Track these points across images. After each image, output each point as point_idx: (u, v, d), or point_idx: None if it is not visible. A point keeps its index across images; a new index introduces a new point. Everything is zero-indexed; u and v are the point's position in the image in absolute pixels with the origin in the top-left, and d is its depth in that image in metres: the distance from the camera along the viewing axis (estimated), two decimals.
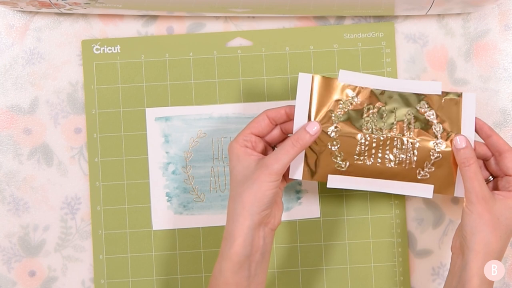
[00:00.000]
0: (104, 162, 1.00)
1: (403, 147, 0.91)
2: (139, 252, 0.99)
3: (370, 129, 0.90)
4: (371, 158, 0.91)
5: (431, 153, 0.90)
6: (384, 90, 0.90)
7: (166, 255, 0.99)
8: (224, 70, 1.00)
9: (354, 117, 0.90)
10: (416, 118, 0.90)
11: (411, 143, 0.90)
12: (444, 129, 0.90)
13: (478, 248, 0.86)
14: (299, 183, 1.00)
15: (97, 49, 1.00)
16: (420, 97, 0.90)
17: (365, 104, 0.90)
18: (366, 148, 0.90)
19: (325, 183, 0.98)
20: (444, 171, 0.90)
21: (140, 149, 1.00)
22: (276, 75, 1.00)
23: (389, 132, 0.90)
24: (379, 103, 0.90)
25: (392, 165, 0.91)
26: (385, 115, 0.90)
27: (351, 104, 0.90)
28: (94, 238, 0.99)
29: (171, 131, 1.00)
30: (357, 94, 0.90)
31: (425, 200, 1.00)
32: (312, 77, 0.90)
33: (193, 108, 1.00)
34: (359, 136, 0.90)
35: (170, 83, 1.00)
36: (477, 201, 0.86)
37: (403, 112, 0.90)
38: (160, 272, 0.99)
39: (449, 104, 0.90)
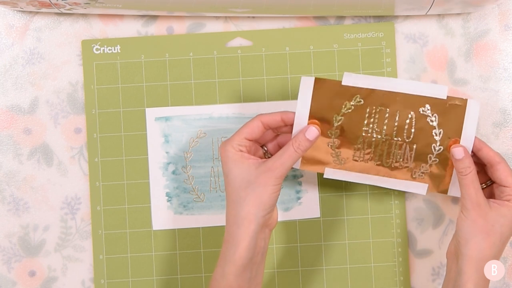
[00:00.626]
0: (104, 162, 1.00)
1: (401, 149, 0.91)
2: (139, 252, 0.99)
3: (371, 131, 0.91)
4: (369, 159, 0.91)
5: (429, 157, 0.90)
6: (388, 91, 0.90)
7: (166, 255, 0.99)
8: (224, 70, 1.00)
9: (355, 119, 0.90)
10: (418, 121, 0.90)
11: (410, 146, 0.90)
12: (444, 133, 0.90)
13: (472, 254, 0.87)
14: (299, 183, 1.00)
15: (97, 49, 1.00)
16: (424, 100, 0.90)
17: (368, 106, 0.90)
18: (365, 149, 0.91)
19: (325, 184, 0.98)
20: (439, 173, 0.91)
21: (140, 149, 1.00)
22: (276, 75, 1.00)
23: (390, 134, 0.90)
24: (381, 105, 0.90)
25: (390, 165, 0.91)
26: (386, 116, 0.90)
27: (353, 106, 0.90)
28: (94, 238, 0.99)
29: (171, 131, 1.00)
30: (360, 96, 0.90)
31: (425, 200, 1.00)
32: (315, 80, 0.90)
33: (193, 108, 1.00)
34: (359, 139, 0.91)
35: (170, 83, 1.00)
36: (472, 207, 0.87)
37: (405, 114, 0.90)
38: (160, 272, 0.99)
39: (453, 110, 0.90)
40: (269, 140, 0.93)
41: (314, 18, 1.01)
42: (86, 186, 1.00)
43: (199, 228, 1.00)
